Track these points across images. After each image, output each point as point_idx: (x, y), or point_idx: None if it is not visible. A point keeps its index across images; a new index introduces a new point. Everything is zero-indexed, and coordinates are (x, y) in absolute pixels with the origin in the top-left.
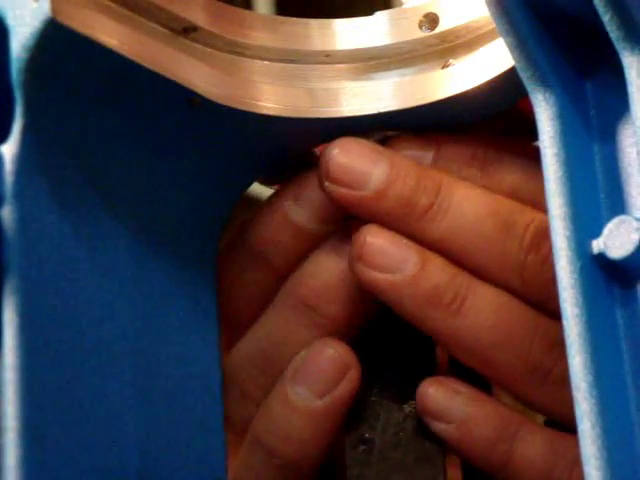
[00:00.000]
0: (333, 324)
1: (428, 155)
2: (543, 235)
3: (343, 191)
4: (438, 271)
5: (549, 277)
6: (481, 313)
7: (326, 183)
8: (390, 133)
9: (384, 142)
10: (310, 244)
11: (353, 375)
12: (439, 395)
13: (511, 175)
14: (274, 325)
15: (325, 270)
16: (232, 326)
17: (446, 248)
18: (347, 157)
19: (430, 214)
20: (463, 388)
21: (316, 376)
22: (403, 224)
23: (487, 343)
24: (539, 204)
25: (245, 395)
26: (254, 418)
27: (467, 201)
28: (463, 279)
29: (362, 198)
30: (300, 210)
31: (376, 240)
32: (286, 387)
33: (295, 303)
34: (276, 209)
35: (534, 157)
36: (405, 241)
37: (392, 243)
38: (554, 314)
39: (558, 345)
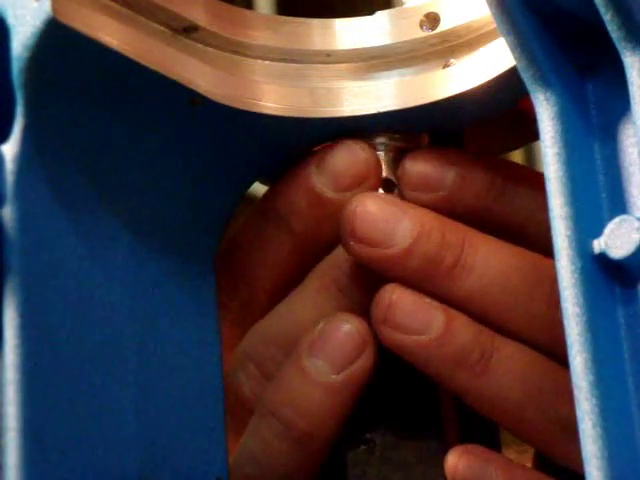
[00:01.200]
0: (362, 310)
1: (447, 176)
2: None
3: (368, 250)
4: (464, 330)
5: None
6: (508, 372)
7: (351, 242)
8: (400, 144)
9: (402, 154)
10: (329, 212)
11: (370, 352)
12: (470, 467)
13: (527, 207)
14: (302, 306)
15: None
16: (249, 301)
17: (471, 305)
18: (370, 215)
19: (455, 271)
20: (493, 455)
21: (334, 350)
22: (428, 282)
23: (514, 402)
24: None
25: (263, 373)
26: (267, 390)
27: (492, 256)
28: (489, 337)
29: (387, 257)
30: (321, 177)
31: (401, 302)
32: (302, 359)
33: (326, 285)
34: (299, 174)
35: None
36: (429, 301)
37: (417, 304)
38: None
39: None
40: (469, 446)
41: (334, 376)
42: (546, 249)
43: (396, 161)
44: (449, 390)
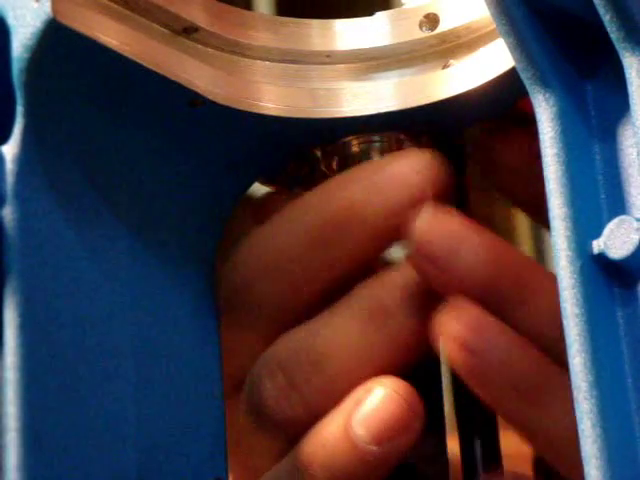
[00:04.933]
0: (408, 336)
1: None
2: None
3: (429, 268)
4: (525, 358)
5: None
6: (565, 404)
7: (414, 256)
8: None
9: None
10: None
11: (417, 426)
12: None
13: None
14: (342, 325)
15: (409, 279)
16: (285, 303)
17: (533, 333)
18: (433, 233)
19: (518, 297)
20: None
21: (379, 423)
22: (490, 307)
23: (570, 439)
24: None
25: (292, 386)
26: (303, 439)
27: (551, 284)
28: (549, 367)
29: (448, 279)
30: None
31: (467, 322)
32: (343, 420)
33: (372, 307)
34: None
35: None
36: (496, 323)
37: (484, 325)
38: None
39: None
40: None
41: (375, 448)
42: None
43: None
44: (505, 420)
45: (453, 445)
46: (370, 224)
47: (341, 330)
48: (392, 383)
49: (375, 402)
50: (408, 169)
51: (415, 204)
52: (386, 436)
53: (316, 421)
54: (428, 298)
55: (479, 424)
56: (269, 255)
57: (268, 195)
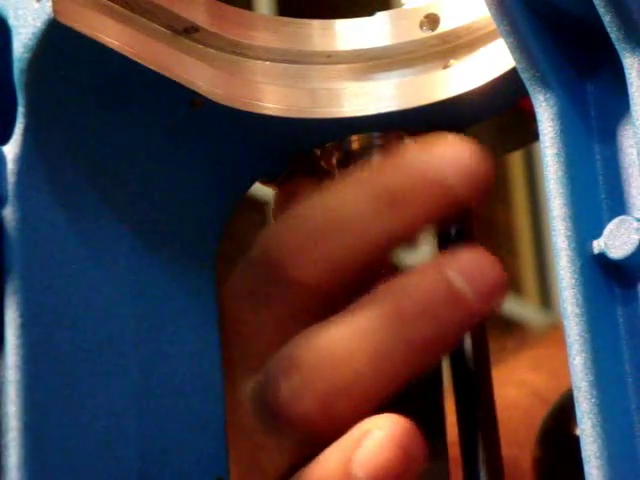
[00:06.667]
0: (426, 343)
1: None
2: None
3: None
4: None
5: None
6: None
7: None
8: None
9: None
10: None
11: (415, 467)
12: None
13: None
14: (360, 327)
15: (430, 287)
16: (302, 297)
17: None
18: None
19: None
20: None
21: (377, 467)
22: None
23: None
24: None
25: (306, 385)
26: (304, 474)
27: None
28: None
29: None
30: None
31: None
32: (344, 460)
33: (390, 310)
34: None
35: None
36: None
37: None
38: None
39: None
40: None
41: None
42: None
43: None
44: None
45: (453, 445)
46: (426, 199)
47: (359, 331)
48: (389, 425)
49: (372, 446)
50: (462, 152)
51: (465, 186)
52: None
53: (327, 424)
54: (447, 303)
55: (480, 425)
56: (316, 224)
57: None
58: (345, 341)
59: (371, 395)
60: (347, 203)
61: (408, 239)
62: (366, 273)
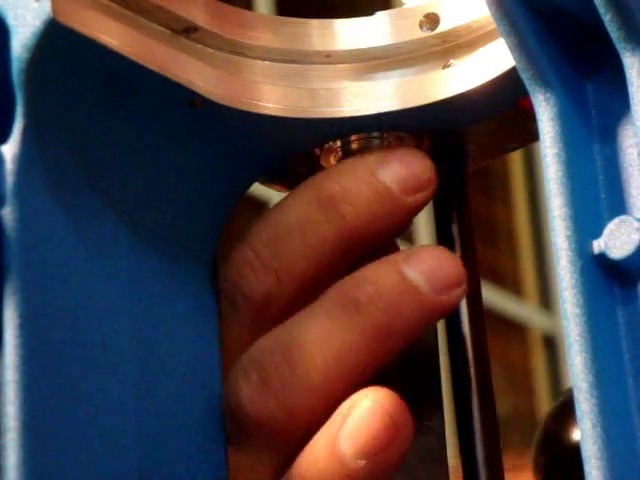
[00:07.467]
0: (380, 333)
1: None
2: None
3: None
4: None
5: None
6: None
7: None
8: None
9: None
10: (388, 210)
11: (404, 436)
12: None
13: None
14: (316, 321)
15: (384, 279)
16: (274, 294)
17: None
18: None
19: None
20: None
21: (365, 438)
22: None
23: None
24: None
25: (265, 384)
26: (295, 459)
27: None
28: None
29: None
30: (386, 174)
31: None
32: (331, 437)
33: (345, 303)
34: (359, 166)
35: None
36: None
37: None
38: None
39: None
40: None
41: (363, 462)
42: None
43: None
44: None
45: (453, 445)
46: (360, 205)
47: (315, 328)
48: (375, 395)
49: (359, 417)
50: (398, 161)
51: (403, 191)
52: (373, 450)
53: (293, 422)
54: (400, 294)
55: (480, 425)
56: (267, 234)
57: None
58: (301, 337)
59: (333, 389)
60: (291, 210)
61: (360, 242)
62: (326, 277)
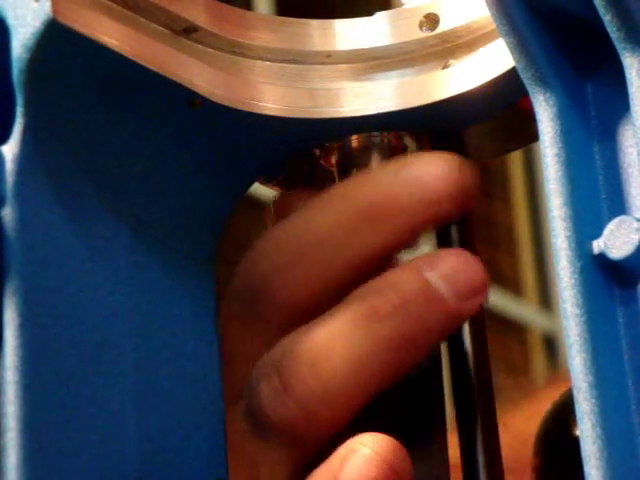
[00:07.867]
0: (402, 341)
1: None
2: None
3: None
4: None
5: None
6: None
7: None
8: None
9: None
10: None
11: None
12: None
13: None
14: (337, 327)
15: (407, 287)
16: (291, 302)
17: None
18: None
19: None
20: None
21: None
22: None
23: None
24: None
25: (286, 388)
26: None
27: None
28: None
29: None
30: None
31: None
32: (331, 479)
33: (367, 310)
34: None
35: None
36: None
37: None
38: None
39: None
40: None
41: None
42: None
43: None
44: None
45: (453, 446)
46: (407, 215)
47: (336, 332)
48: (374, 443)
49: (357, 464)
50: (444, 167)
51: (449, 201)
52: None
53: (312, 427)
54: (424, 302)
55: (480, 425)
56: (297, 243)
57: (284, 194)
58: (322, 343)
59: (353, 396)
60: (326, 221)
61: (392, 251)
62: (352, 284)
